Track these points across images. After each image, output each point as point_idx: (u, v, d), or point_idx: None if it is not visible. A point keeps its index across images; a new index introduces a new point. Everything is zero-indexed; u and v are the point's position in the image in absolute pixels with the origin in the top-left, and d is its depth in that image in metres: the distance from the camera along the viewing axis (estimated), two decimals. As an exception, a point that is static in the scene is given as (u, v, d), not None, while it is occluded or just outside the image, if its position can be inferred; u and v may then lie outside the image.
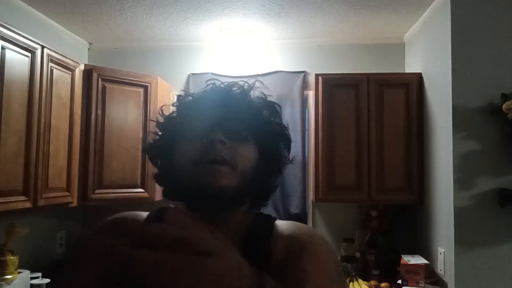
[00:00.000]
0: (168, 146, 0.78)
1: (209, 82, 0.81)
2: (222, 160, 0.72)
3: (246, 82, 0.82)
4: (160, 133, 0.82)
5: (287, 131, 0.83)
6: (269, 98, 0.82)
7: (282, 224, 0.80)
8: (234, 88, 0.80)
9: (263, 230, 0.78)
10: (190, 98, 0.82)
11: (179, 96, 0.84)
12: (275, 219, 0.82)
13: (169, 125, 0.81)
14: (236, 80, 0.81)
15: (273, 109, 0.82)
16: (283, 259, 0.72)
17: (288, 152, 0.83)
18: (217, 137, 0.72)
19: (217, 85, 0.81)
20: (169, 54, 3.18)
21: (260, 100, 0.81)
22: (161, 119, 0.83)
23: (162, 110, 0.86)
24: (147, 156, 0.84)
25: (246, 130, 0.76)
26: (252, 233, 0.77)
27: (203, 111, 0.76)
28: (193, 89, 3.08)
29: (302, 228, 0.80)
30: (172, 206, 0.79)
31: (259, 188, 0.78)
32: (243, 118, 0.76)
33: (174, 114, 0.82)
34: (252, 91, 0.81)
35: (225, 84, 0.81)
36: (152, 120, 0.83)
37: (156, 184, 0.81)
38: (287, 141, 0.83)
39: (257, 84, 0.83)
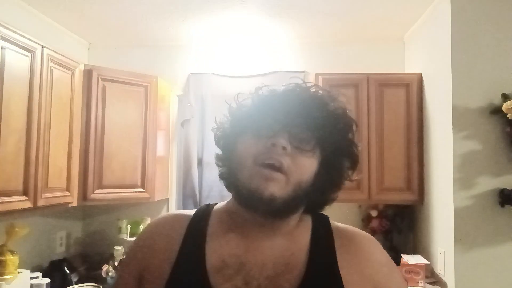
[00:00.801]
0: (233, 133, 0.78)
1: (292, 80, 0.80)
2: (279, 166, 0.70)
3: (329, 91, 0.79)
4: (229, 117, 0.81)
5: (357, 149, 0.79)
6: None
7: (335, 223, 0.83)
8: (316, 93, 0.77)
9: (325, 231, 0.79)
10: (267, 92, 0.79)
11: (257, 88, 0.81)
12: (327, 217, 0.84)
13: (239, 113, 0.79)
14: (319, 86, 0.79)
15: (349, 125, 0.77)
16: (345, 256, 0.76)
17: (353, 170, 0.80)
18: (280, 142, 0.71)
19: (299, 84, 0.78)
20: (169, 54, 3.18)
21: (339, 112, 0.76)
22: (234, 105, 0.81)
23: (237, 97, 0.83)
24: (214, 136, 0.83)
25: (313, 141, 0.73)
26: (316, 237, 0.78)
27: (277, 109, 0.74)
28: (193, 89, 3.09)
29: (359, 230, 0.84)
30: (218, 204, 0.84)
31: (314, 201, 0.78)
32: (314, 127, 0.73)
33: (248, 104, 0.79)
34: (333, 101, 0.77)
35: (309, 85, 0.79)
36: (227, 103, 0.83)
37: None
38: (355, 161, 0.79)
39: (338, 95, 0.79)
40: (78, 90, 2.47)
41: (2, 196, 1.85)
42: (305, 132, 0.73)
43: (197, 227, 0.79)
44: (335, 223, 0.83)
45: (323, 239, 0.78)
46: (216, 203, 0.85)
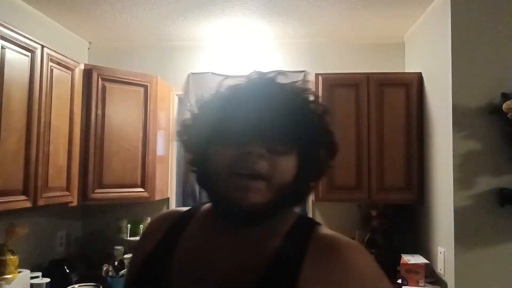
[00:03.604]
0: (201, 139, 0.72)
1: (253, 73, 0.73)
2: (258, 175, 0.65)
3: (295, 81, 0.73)
4: (194, 120, 0.75)
5: (334, 137, 0.73)
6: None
7: (325, 230, 0.74)
8: (283, 85, 0.71)
9: (301, 237, 0.71)
10: (230, 89, 0.73)
11: (218, 86, 0.75)
12: (318, 223, 0.76)
13: (205, 115, 0.73)
14: (283, 72, 0.72)
15: (323, 113, 0.72)
16: (317, 265, 0.66)
17: (332, 159, 0.74)
18: (256, 149, 0.65)
19: (261, 76, 0.72)
20: (169, 53, 3.18)
21: (309, 102, 0.71)
22: (195, 109, 0.75)
23: (200, 99, 0.77)
24: (179, 140, 0.78)
25: (289, 141, 0.68)
26: (288, 243, 0.70)
27: (246, 109, 0.67)
28: (193, 89, 3.09)
29: (345, 238, 0.72)
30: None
31: (295, 198, 0.73)
32: (288, 124, 0.67)
33: (213, 104, 0.73)
34: (303, 90, 0.71)
35: (271, 76, 0.72)
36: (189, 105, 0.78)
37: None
38: (333, 149, 0.74)
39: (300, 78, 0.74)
40: (78, 89, 2.47)
41: (2, 196, 1.85)
42: (280, 131, 0.66)
43: (180, 222, 0.79)
44: (324, 230, 0.73)
45: (294, 246, 0.68)
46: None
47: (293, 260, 0.66)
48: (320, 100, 0.74)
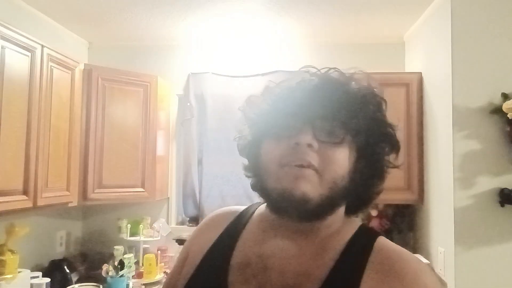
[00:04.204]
0: (254, 140, 0.73)
1: (303, 70, 0.73)
2: (308, 165, 0.64)
3: (345, 72, 0.72)
4: (247, 123, 0.76)
5: (394, 130, 0.71)
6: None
7: (387, 243, 0.70)
8: (332, 77, 0.70)
9: (363, 247, 0.68)
10: (280, 89, 0.72)
11: (267, 86, 0.75)
12: (380, 234, 0.72)
13: (256, 117, 0.73)
14: (332, 68, 0.72)
15: (379, 103, 0.70)
16: (378, 278, 0.64)
17: (395, 154, 0.72)
18: (304, 139, 0.64)
19: (312, 73, 0.72)
20: (169, 53, 3.18)
21: (364, 92, 0.69)
22: (249, 112, 0.76)
23: (250, 100, 0.77)
24: (239, 149, 0.78)
25: (342, 131, 0.66)
26: (349, 252, 0.67)
27: (295, 104, 0.67)
28: (193, 89, 3.09)
29: (408, 254, 0.68)
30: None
31: (355, 196, 0.70)
32: (340, 116, 0.65)
33: (264, 105, 0.73)
34: (354, 80, 0.70)
35: (322, 72, 0.72)
36: (241, 110, 0.77)
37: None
38: (394, 142, 0.72)
39: (359, 73, 0.71)
40: (78, 89, 2.47)
41: (2, 196, 1.85)
42: (330, 122, 0.65)
43: (237, 224, 0.79)
44: (387, 243, 0.69)
45: (356, 257, 0.66)
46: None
47: (354, 271, 0.64)
48: (377, 92, 0.71)
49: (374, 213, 2.78)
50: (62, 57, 2.31)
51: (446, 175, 2.17)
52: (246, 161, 0.77)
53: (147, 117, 2.73)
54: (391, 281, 0.63)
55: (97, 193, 2.53)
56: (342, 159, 0.66)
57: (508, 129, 2.02)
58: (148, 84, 2.76)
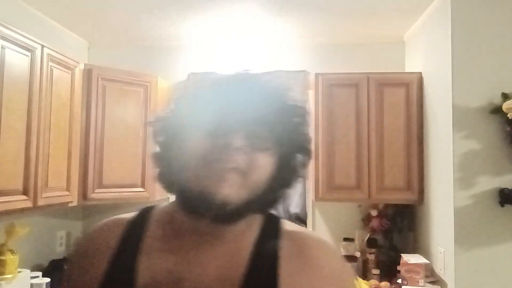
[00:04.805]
0: (177, 128, 0.69)
1: (239, 71, 0.71)
2: (235, 167, 0.63)
3: (281, 82, 0.71)
4: (173, 108, 0.71)
5: (310, 145, 0.73)
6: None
7: (290, 225, 0.74)
8: (270, 84, 0.69)
9: (272, 231, 0.71)
10: (215, 81, 0.70)
11: (194, 75, 0.74)
12: (279, 218, 0.76)
13: (185, 105, 0.70)
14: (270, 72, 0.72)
15: (305, 118, 0.71)
16: (289, 258, 0.68)
17: (305, 166, 0.73)
18: (235, 141, 0.63)
19: (246, 73, 0.71)
20: (169, 53, 3.18)
21: (293, 105, 0.70)
22: (177, 98, 0.73)
23: (184, 86, 0.75)
24: (153, 138, 0.73)
25: (270, 138, 0.66)
26: (261, 245, 0.70)
27: (230, 101, 0.65)
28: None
29: (311, 233, 0.75)
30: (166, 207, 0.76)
31: (267, 201, 0.71)
32: (270, 124, 0.66)
33: (196, 94, 0.70)
34: (288, 91, 0.71)
35: (256, 74, 0.71)
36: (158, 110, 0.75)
37: (156, 183, 0.74)
38: (308, 156, 0.73)
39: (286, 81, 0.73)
40: (78, 89, 2.47)
41: (2, 196, 1.85)
42: (261, 129, 0.65)
43: (132, 237, 0.70)
44: (288, 225, 0.74)
45: (268, 246, 0.69)
46: (156, 205, 0.77)
47: (270, 260, 0.67)
48: (301, 103, 0.72)
49: (374, 213, 2.78)
50: (62, 57, 2.31)
51: (446, 175, 2.17)
52: (157, 148, 0.72)
53: (147, 117, 2.73)
54: (304, 261, 0.68)
55: (97, 193, 2.53)
56: (265, 165, 0.66)
57: (508, 129, 2.02)
58: (148, 84, 2.76)
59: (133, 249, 0.68)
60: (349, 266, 0.75)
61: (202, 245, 0.68)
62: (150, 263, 0.67)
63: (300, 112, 0.71)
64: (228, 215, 0.65)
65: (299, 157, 0.72)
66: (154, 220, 0.73)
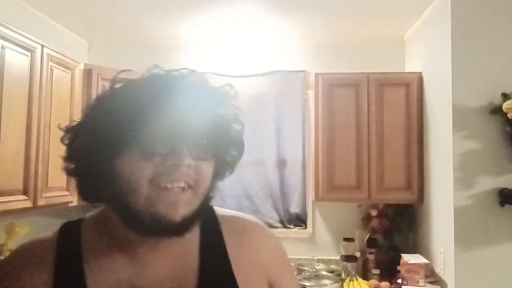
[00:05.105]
0: (104, 144, 0.62)
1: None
2: (187, 186, 0.62)
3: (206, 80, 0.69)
4: (93, 118, 0.66)
5: (242, 140, 0.73)
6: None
7: (222, 210, 0.80)
8: (199, 86, 0.66)
9: (212, 225, 0.75)
10: (131, 86, 0.66)
11: (115, 80, 0.67)
12: (211, 207, 0.78)
13: (111, 119, 0.62)
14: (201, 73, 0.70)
15: (241, 122, 0.71)
16: (234, 240, 0.74)
17: (239, 158, 0.74)
18: (185, 160, 0.60)
19: (170, 75, 0.68)
20: (169, 53, 3.17)
21: (231, 111, 0.69)
22: (89, 108, 0.68)
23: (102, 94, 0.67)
24: (67, 142, 0.71)
25: (210, 147, 0.65)
26: (205, 236, 0.73)
27: (164, 116, 0.60)
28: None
29: (242, 215, 0.81)
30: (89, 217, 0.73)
31: (209, 199, 0.71)
32: (208, 134, 0.64)
33: (124, 106, 0.62)
34: (217, 91, 0.69)
35: (181, 74, 0.68)
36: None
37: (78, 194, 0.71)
38: (242, 147, 0.73)
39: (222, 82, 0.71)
40: (78, 89, 2.47)
41: (2, 196, 1.85)
42: (201, 140, 0.63)
43: (69, 252, 0.66)
44: (221, 210, 0.78)
45: (212, 236, 0.72)
46: (81, 218, 0.73)
47: (217, 244, 0.72)
48: (234, 107, 0.70)
49: (374, 213, 2.78)
50: (62, 57, 2.31)
51: (446, 175, 2.17)
52: (72, 161, 0.68)
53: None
54: (243, 236, 0.75)
55: (97, 193, 2.53)
56: (209, 173, 0.66)
57: (508, 129, 2.02)
58: (148, 84, 2.75)
59: (75, 264, 0.65)
60: (280, 243, 0.82)
61: (154, 252, 0.67)
62: (100, 274, 0.65)
63: (237, 118, 0.70)
64: (184, 227, 0.63)
65: (233, 152, 0.72)
66: (85, 230, 0.70)
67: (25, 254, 0.67)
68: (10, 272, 0.65)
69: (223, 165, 0.71)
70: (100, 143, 0.62)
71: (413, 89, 2.63)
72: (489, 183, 2.06)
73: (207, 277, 0.68)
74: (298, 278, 2.59)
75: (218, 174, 0.71)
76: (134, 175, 0.60)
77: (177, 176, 0.61)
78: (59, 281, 0.64)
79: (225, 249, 0.71)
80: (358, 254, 2.74)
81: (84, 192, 0.68)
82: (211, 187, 0.68)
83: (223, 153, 0.70)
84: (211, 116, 0.65)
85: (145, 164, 0.60)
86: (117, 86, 0.66)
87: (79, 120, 0.69)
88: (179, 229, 0.63)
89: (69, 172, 0.68)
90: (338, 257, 2.79)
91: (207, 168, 0.66)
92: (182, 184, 0.61)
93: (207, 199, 0.68)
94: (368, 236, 2.77)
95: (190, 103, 0.63)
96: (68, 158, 0.69)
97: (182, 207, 0.62)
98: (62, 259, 0.66)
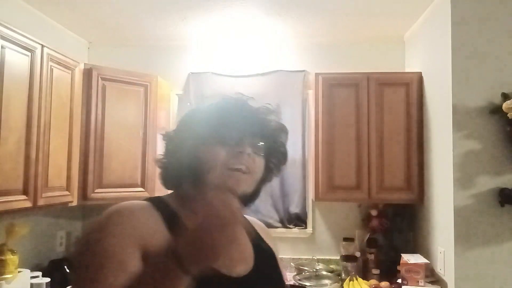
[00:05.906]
0: (196, 141, 0.87)
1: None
2: (245, 169, 0.86)
3: (269, 105, 0.95)
4: (186, 128, 0.92)
5: (286, 150, 0.98)
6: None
7: None
8: (260, 108, 0.93)
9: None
10: (215, 105, 0.92)
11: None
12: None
13: (197, 122, 0.91)
14: (263, 103, 0.95)
15: (287, 134, 0.98)
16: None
17: (281, 168, 0.98)
18: (246, 149, 0.86)
19: (246, 101, 0.92)
20: (169, 53, 3.18)
21: (279, 125, 0.96)
22: (188, 117, 0.95)
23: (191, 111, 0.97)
24: (166, 141, 0.96)
25: (265, 148, 0.91)
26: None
27: (236, 121, 0.88)
28: (193, 89, 3.09)
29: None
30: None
31: (258, 193, 0.94)
32: (266, 137, 0.91)
33: (208, 114, 0.91)
34: (272, 112, 0.95)
35: (246, 99, 0.93)
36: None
37: (158, 180, 0.98)
38: (286, 159, 0.98)
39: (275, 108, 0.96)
40: (78, 89, 2.47)
41: (2, 196, 1.85)
42: (258, 140, 0.89)
43: (169, 213, 0.86)
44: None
45: (250, 229, 0.98)
46: (158, 196, 0.95)
47: (258, 236, 1.01)
48: (283, 126, 0.97)
49: (374, 213, 2.78)
50: (62, 57, 2.31)
51: (446, 175, 2.17)
52: (164, 146, 0.97)
53: (147, 117, 2.73)
54: (266, 231, 1.08)
55: (97, 193, 2.53)
56: (262, 166, 0.91)
57: (508, 129, 2.02)
58: (148, 84, 2.76)
59: (177, 218, 0.86)
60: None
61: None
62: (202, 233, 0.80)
63: (284, 131, 0.97)
64: (242, 201, 0.81)
65: (279, 159, 0.96)
66: (170, 202, 0.91)
67: (133, 207, 0.90)
68: (136, 218, 0.86)
69: (271, 169, 0.95)
70: (192, 139, 0.89)
71: (413, 89, 2.63)
72: (489, 183, 2.06)
73: (258, 255, 0.91)
74: (298, 278, 2.59)
75: (267, 174, 0.93)
76: (213, 159, 0.85)
77: (240, 160, 0.85)
78: (171, 227, 0.82)
79: (262, 237, 1.00)
80: (358, 254, 2.74)
81: (167, 179, 0.97)
82: (262, 182, 0.92)
83: (274, 159, 0.94)
84: (266, 127, 0.92)
85: (220, 151, 0.86)
86: (207, 104, 0.94)
87: (177, 128, 0.96)
88: (241, 200, 0.79)
89: (160, 166, 0.98)
90: (338, 257, 2.79)
91: (260, 162, 0.90)
92: (243, 168, 0.85)
93: (258, 189, 0.92)
94: (368, 236, 2.77)
95: (252, 116, 0.90)
96: (164, 155, 0.97)
97: (243, 184, 0.86)
98: (167, 216, 0.84)
